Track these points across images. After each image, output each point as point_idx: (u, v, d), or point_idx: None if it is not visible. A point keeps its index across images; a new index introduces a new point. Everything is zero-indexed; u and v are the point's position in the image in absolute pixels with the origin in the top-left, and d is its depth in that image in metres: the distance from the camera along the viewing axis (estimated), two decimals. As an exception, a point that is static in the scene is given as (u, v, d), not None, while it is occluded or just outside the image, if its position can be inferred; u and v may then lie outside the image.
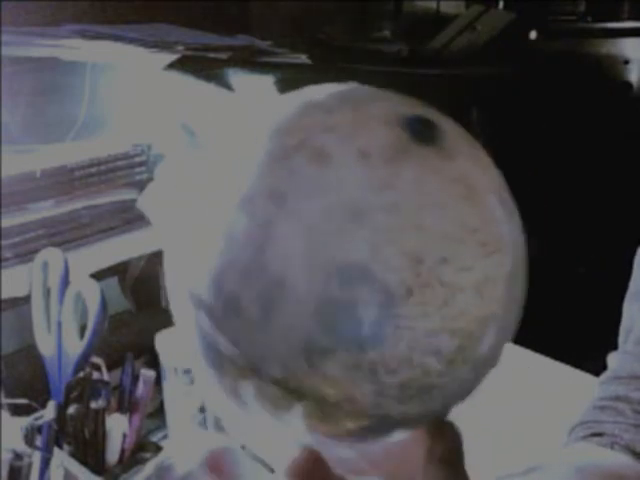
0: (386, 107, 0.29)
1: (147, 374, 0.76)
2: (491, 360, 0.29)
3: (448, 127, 0.29)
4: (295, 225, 0.26)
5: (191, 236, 0.29)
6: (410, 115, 0.29)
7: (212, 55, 1.00)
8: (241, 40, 1.13)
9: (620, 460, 0.47)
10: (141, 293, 1.02)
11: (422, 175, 0.27)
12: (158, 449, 0.76)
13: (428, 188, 0.27)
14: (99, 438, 0.72)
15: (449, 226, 0.27)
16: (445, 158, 0.28)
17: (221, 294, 0.27)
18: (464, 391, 0.29)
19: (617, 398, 0.51)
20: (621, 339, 0.56)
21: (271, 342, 0.26)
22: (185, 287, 0.29)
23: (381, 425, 0.29)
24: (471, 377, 0.29)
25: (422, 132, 0.28)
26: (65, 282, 0.75)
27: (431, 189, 0.27)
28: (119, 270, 0.99)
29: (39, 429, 0.68)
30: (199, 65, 1.02)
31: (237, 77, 1.02)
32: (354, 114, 0.28)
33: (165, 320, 0.99)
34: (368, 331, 0.26)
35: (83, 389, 0.72)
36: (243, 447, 0.82)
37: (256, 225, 0.26)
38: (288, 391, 0.27)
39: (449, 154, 0.28)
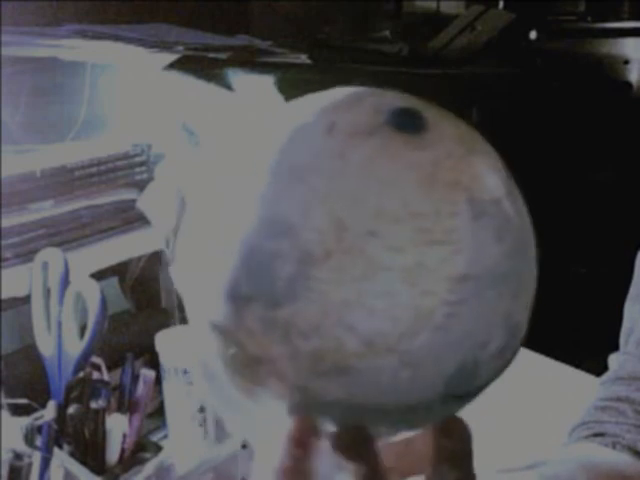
0: (385, 99, 0.30)
1: (147, 374, 0.76)
2: (437, 366, 0.27)
3: (441, 124, 0.29)
4: (249, 176, 0.28)
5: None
6: (401, 106, 0.29)
7: (212, 55, 1.00)
8: (241, 40, 1.13)
9: (623, 459, 0.47)
10: (141, 293, 1.02)
11: (378, 154, 0.27)
12: (158, 449, 0.76)
13: (379, 167, 0.27)
14: (99, 438, 0.72)
15: (388, 204, 0.26)
16: (414, 146, 0.28)
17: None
18: (401, 391, 0.27)
19: (618, 399, 0.51)
20: (622, 341, 0.56)
21: (210, 282, 0.28)
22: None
23: (311, 406, 0.28)
24: (405, 375, 0.27)
25: (403, 121, 0.28)
26: (65, 282, 0.75)
27: (382, 168, 0.27)
28: (119, 270, 0.99)
29: (39, 429, 0.68)
30: (199, 65, 1.02)
31: (237, 77, 1.02)
32: (353, 101, 0.29)
33: (165, 320, 1.00)
34: (283, 286, 0.26)
35: (83, 389, 0.72)
36: (244, 446, 0.82)
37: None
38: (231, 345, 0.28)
39: (422, 145, 0.28)
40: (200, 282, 0.29)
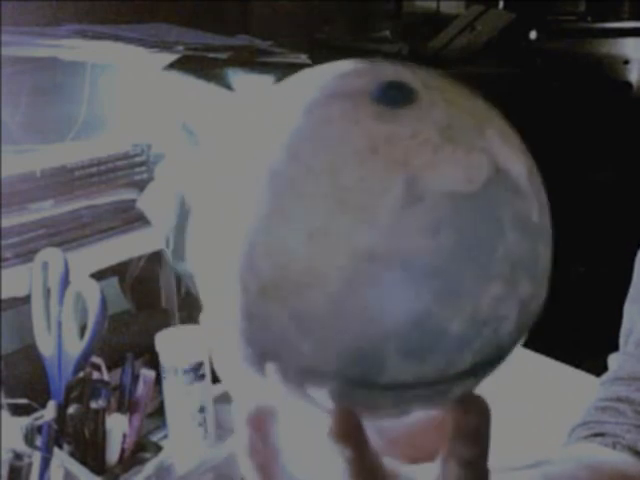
0: (387, 70, 0.30)
1: (147, 374, 0.76)
2: (336, 339, 0.26)
3: (435, 104, 0.28)
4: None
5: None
6: (394, 79, 0.29)
7: (212, 55, 1.00)
8: (241, 40, 1.13)
9: (623, 459, 0.47)
10: (141, 293, 1.02)
11: (341, 115, 0.27)
12: (158, 449, 0.76)
13: (333, 126, 0.27)
14: (99, 438, 0.72)
15: (316, 160, 0.27)
16: (380, 119, 0.27)
17: None
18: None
19: (618, 399, 0.51)
20: (622, 341, 0.56)
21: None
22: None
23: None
24: (291, 331, 0.27)
25: (386, 94, 0.28)
26: (65, 282, 0.75)
27: (335, 128, 0.27)
28: (119, 270, 0.99)
29: (39, 429, 0.68)
30: (199, 65, 1.02)
31: (237, 77, 1.02)
32: (356, 69, 0.30)
33: (165, 320, 1.00)
34: None
35: (83, 389, 0.72)
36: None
37: None
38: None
39: (388, 119, 0.27)
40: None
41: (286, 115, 0.28)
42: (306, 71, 0.31)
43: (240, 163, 0.28)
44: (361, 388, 0.28)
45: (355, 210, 0.26)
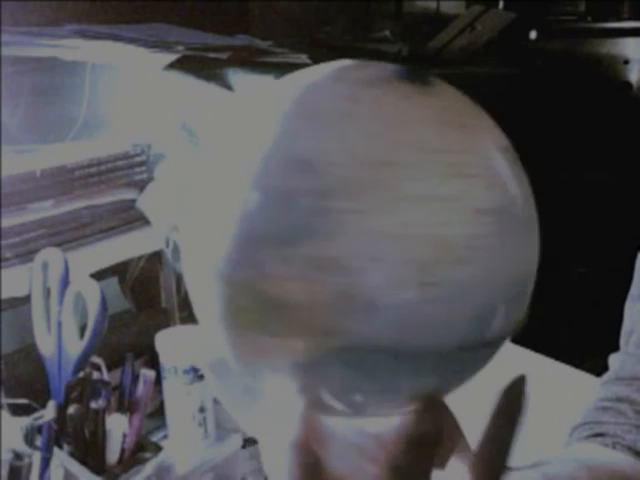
0: (389, 65, 0.31)
1: (147, 374, 0.76)
2: (462, 303, 0.27)
3: (446, 86, 0.30)
4: (264, 122, 0.29)
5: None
6: (406, 68, 0.30)
7: (212, 55, 0.99)
8: (241, 40, 1.13)
9: (623, 460, 0.47)
10: (141, 293, 1.02)
11: (387, 95, 0.28)
12: (158, 449, 0.76)
13: (389, 105, 0.28)
14: (99, 438, 0.72)
15: (404, 137, 0.27)
16: (422, 92, 0.29)
17: None
18: (431, 331, 0.27)
19: (619, 399, 0.51)
20: (622, 341, 0.56)
21: (221, 228, 0.28)
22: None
23: (331, 362, 0.27)
24: (433, 312, 0.27)
25: (409, 75, 0.29)
26: (65, 282, 0.75)
27: (392, 106, 0.28)
28: (119, 270, 0.99)
29: (39, 429, 0.68)
30: (199, 65, 1.02)
31: (237, 77, 1.02)
32: (358, 64, 0.31)
33: (165, 320, 1.00)
34: (301, 222, 0.26)
35: (83, 389, 0.72)
36: (244, 446, 0.82)
37: None
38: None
39: (429, 92, 0.29)
40: (210, 229, 0.28)
41: (333, 108, 0.28)
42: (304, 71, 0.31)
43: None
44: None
45: (466, 173, 0.27)
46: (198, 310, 0.31)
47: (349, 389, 0.29)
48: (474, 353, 0.29)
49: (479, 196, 0.27)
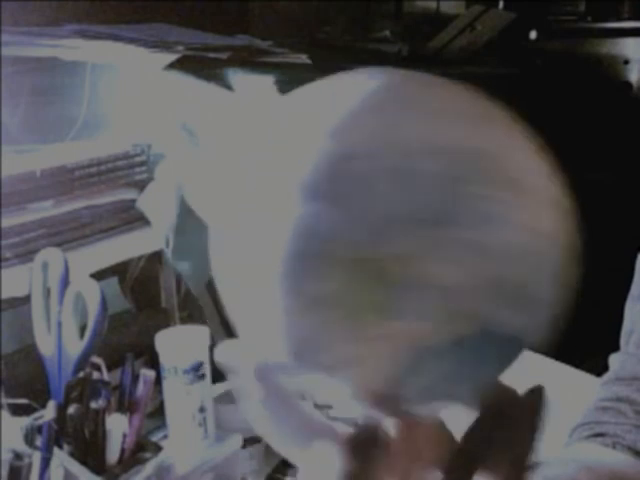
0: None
1: (147, 374, 0.76)
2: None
3: None
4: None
5: None
6: None
7: (212, 55, 1.00)
8: (241, 40, 1.13)
9: (623, 460, 0.47)
10: (141, 293, 1.02)
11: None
12: (158, 449, 0.76)
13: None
14: (99, 438, 0.72)
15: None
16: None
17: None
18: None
19: (619, 399, 0.51)
20: (623, 341, 0.56)
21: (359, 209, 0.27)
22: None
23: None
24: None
25: None
26: (65, 282, 0.75)
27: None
28: (119, 270, 0.99)
29: (39, 429, 0.68)
30: (199, 65, 1.02)
31: (237, 77, 1.02)
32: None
33: (165, 320, 1.00)
34: (449, 206, 0.26)
35: (83, 389, 0.72)
36: (244, 446, 0.82)
37: None
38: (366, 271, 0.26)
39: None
40: (345, 213, 0.26)
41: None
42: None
43: None
44: None
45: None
46: (266, 304, 0.28)
47: (447, 379, 0.28)
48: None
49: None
